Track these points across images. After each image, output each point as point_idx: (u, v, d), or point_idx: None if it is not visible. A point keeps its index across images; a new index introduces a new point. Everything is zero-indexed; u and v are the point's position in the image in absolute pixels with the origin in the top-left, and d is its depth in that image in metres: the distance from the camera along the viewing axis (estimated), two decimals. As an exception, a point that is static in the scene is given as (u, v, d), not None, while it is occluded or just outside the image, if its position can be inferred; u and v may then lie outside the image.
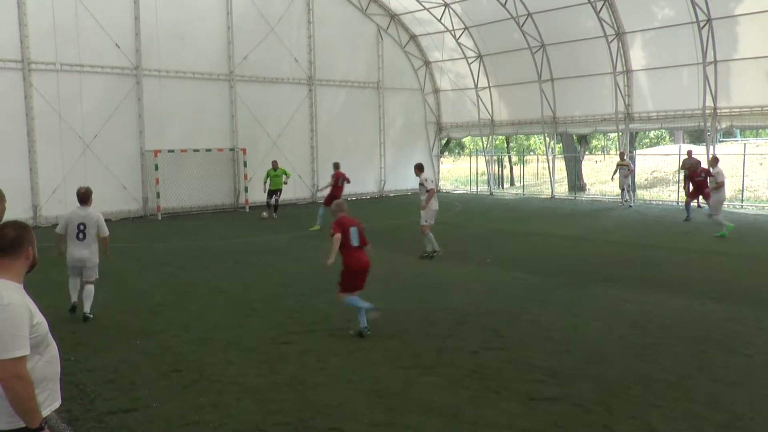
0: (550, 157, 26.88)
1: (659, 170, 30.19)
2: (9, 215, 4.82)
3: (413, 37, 29.06)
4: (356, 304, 7.92)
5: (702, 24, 20.57)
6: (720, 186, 15.30)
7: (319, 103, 26.05)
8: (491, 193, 29.20)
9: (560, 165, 30.05)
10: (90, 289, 8.92)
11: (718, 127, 22.12)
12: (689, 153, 21.12)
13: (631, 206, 22.62)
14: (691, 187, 18.56)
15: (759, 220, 18.75)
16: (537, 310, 8.88)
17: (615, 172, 23.35)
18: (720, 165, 15.68)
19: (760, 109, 20.46)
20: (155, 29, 21.17)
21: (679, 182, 23.16)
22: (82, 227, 8.82)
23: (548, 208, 22.75)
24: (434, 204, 12.95)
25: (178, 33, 21.85)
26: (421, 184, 12.98)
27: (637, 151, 32.94)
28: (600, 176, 33.04)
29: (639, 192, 27.46)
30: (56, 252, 8.97)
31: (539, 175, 36.70)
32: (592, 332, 7.84)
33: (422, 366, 6.71)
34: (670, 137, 42.07)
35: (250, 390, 6.11)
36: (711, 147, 21.93)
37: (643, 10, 22.21)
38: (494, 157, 32.18)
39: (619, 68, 23.41)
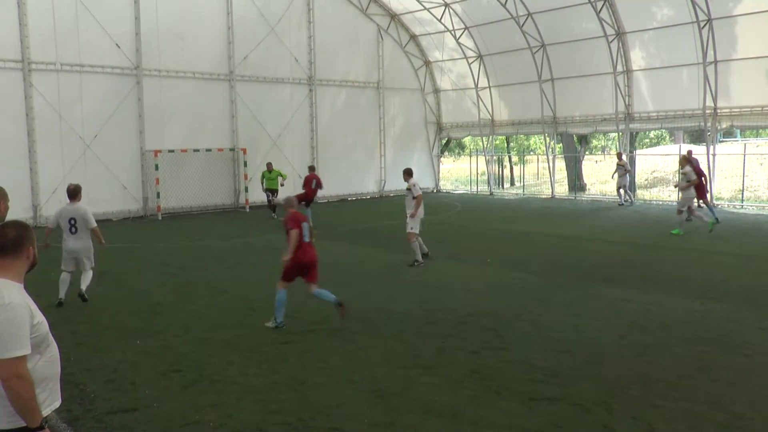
0: (550, 157, 26.88)
1: (659, 170, 30.18)
2: (9, 215, 4.82)
3: (413, 37, 29.07)
4: (280, 304, 8.27)
5: (702, 24, 20.58)
6: (690, 185, 15.60)
7: (319, 103, 26.06)
8: (491, 193, 29.20)
9: (560, 165, 30.05)
10: (89, 274, 9.77)
11: (718, 127, 22.13)
12: (689, 153, 21.12)
13: (631, 205, 22.64)
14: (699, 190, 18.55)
15: (759, 220, 18.74)
16: (537, 310, 8.88)
17: (615, 172, 23.40)
18: (689, 165, 15.96)
19: (760, 109, 20.47)
20: (155, 29, 21.18)
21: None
22: (73, 221, 9.52)
23: (548, 208, 22.75)
24: (420, 211, 12.42)
25: (178, 33, 21.86)
26: (408, 189, 12.54)
27: (637, 151, 32.93)
28: (600, 176, 33.05)
29: (639, 192, 27.45)
30: (42, 244, 8.63)
31: (539, 175, 36.71)
32: (592, 332, 7.84)
33: (422, 366, 6.70)
34: (670, 137, 42.07)
35: (250, 390, 6.11)
36: (711, 147, 21.94)
37: (643, 10, 22.21)
38: (494, 157, 32.19)
39: (619, 68, 23.41)
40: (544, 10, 23.87)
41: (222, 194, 23.45)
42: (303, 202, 17.88)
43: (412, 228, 12.30)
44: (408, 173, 12.82)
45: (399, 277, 11.35)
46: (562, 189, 28.84)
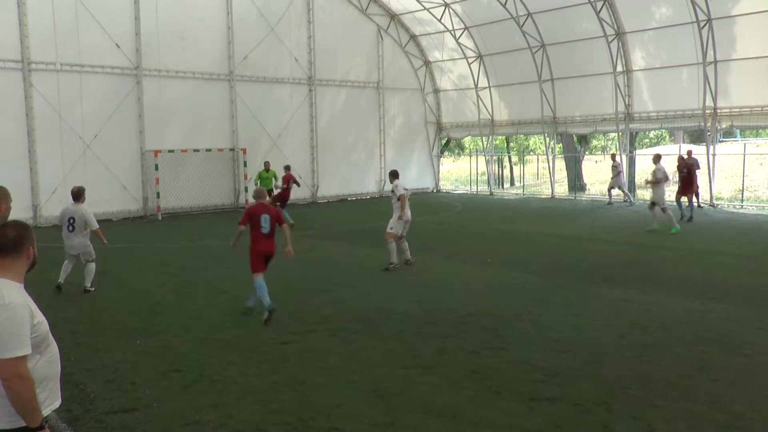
0: (550, 157, 26.88)
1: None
2: (9, 215, 4.82)
3: (413, 37, 29.07)
4: (259, 292, 8.64)
5: (702, 24, 20.58)
6: (659, 181, 16.04)
7: (319, 103, 26.06)
8: (491, 193, 29.21)
9: (560, 165, 30.05)
10: (91, 267, 10.44)
11: (718, 127, 22.13)
12: (689, 153, 21.13)
13: (630, 205, 22.67)
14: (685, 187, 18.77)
15: (759, 220, 18.74)
16: (537, 310, 8.88)
17: (614, 176, 23.55)
18: (662, 162, 16.44)
19: (760, 109, 20.47)
20: (155, 29, 21.18)
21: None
22: (71, 221, 10.22)
23: (548, 208, 22.75)
24: (407, 213, 12.07)
25: (178, 33, 21.86)
26: (392, 191, 12.34)
27: (637, 151, 32.93)
28: (600, 176, 33.04)
29: (639, 192, 27.45)
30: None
31: (539, 175, 36.72)
32: (592, 332, 7.84)
33: (422, 366, 6.70)
34: (670, 137, 42.07)
35: (250, 390, 6.11)
36: (711, 147, 21.95)
37: (643, 10, 22.22)
38: (494, 157, 32.20)
39: (619, 68, 23.41)
40: (544, 10, 23.87)
41: (222, 194, 23.46)
42: (278, 203, 18.31)
43: (391, 228, 12.06)
44: (393, 175, 12.57)
45: (399, 277, 11.34)
46: (562, 189, 28.84)
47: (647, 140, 45.33)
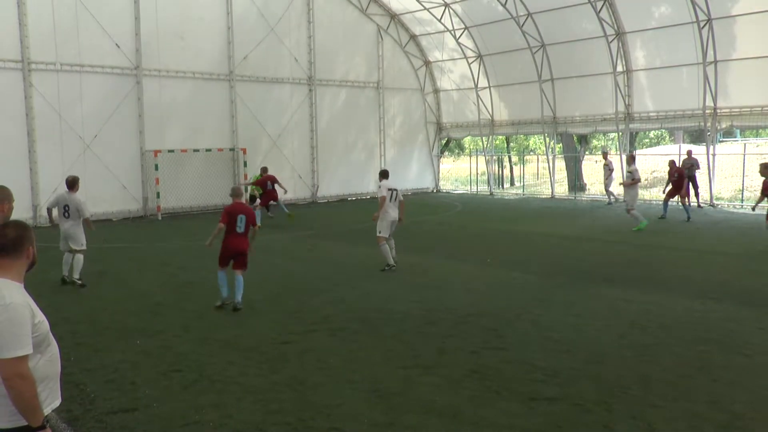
0: (550, 157, 26.88)
1: (659, 170, 30.14)
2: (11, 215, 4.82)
3: (413, 37, 29.07)
4: (220, 284, 9.32)
5: (702, 24, 20.58)
6: (635, 182, 16.56)
7: (319, 103, 26.06)
8: (491, 193, 29.21)
9: (560, 165, 30.04)
10: (79, 258, 10.87)
11: (718, 127, 22.13)
12: (689, 153, 21.16)
13: (610, 205, 22.63)
14: (676, 189, 18.97)
15: (759, 220, 18.69)
16: (537, 310, 8.87)
17: (607, 177, 23.61)
18: (636, 163, 16.88)
19: (760, 109, 20.46)
20: (155, 29, 21.18)
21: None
22: (66, 208, 10.78)
23: (548, 208, 22.75)
24: (387, 215, 11.85)
25: (178, 33, 21.86)
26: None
27: (637, 151, 32.92)
28: (600, 176, 32.95)
29: (639, 192, 27.42)
30: (49, 222, 11.25)
31: (539, 175, 36.70)
32: (592, 332, 7.84)
33: (422, 366, 6.70)
34: (670, 137, 42.06)
35: (250, 390, 6.11)
36: (711, 147, 21.95)
37: (643, 10, 22.21)
38: (494, 157, 32.19)
39: (619, 68, 23.41)
40: (544, 10, 23.87)
41: (222, 194, 23.36)
42: (265, 206, 19.16)
43: (380, 232, 12.05)
44: (382, 174, 12.53)
45: (399, 277, 11.34)
46: (562, 189, 28.83)
47: (647, 140, 45.31)
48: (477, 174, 30.86)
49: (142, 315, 9.06)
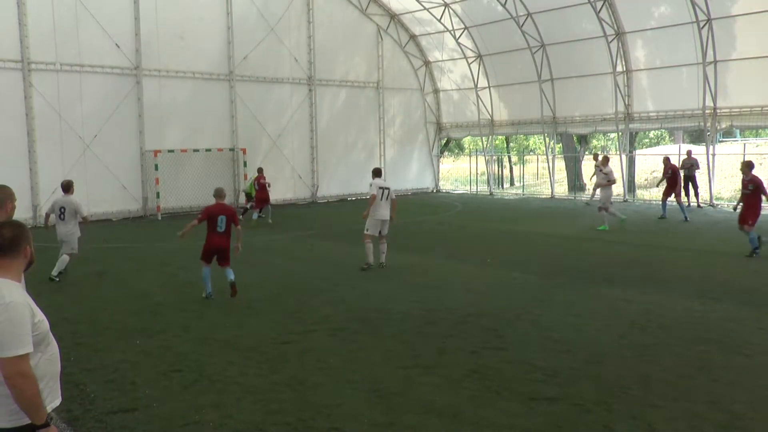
0: (550, 157, 26.89)
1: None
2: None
3: (413, 37, 29.07)
4: (204, 280, 9.88)
5: (702, 24, 20.58)
6: (611, 183, 16.96)
7: (319, 103, 26.07)
8: (491, 193, 29.21)
9: (560, 165, 30.04)
10: (65, 258, 11.27)
11: (718, 127, 22.12)
12: (689, 153, 21.16)
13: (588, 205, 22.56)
14: (671, 188, 19.04)
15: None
16: (537, 310, 8.87)
17: (593, 175, 23.57)
18: (611, 164, 17.32)
19: (760, 109, 20.46)
20: (155, 29, 21.18)
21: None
22: (62, 210, 11.27)
23: (548, 208, 22.75)
24: (376, 213, 11.87)
25: (178, 33, 21.86)
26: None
27: (637, 151, 32.93)
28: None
29: (639, 192, 27.47)
30: (44, 227, 11.89)
31: (539, 175, 36.69)
32: (592, 332, 7.84)
33: (422, 366, 6.70)
34: (669, 137, 42.05)
35: (250, 390, 6.11)
36: (711, 147, 21.95)
37: (642, 10, 22.22)
38: (494, 157, 32.20)
39: (619, 68, 23.41)
40: (544, 10, 23.87)
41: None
42: (259, 207, 19.50)
43: (367, 229, 12.08)
44: (374, 173, 12.53)
45: (399, 277, 11.35)
46: (561, 189, 28.83)
47: (647, 140, 45.30)
48: (477, 174, 30.86)
49: (142, 315, 9.06)
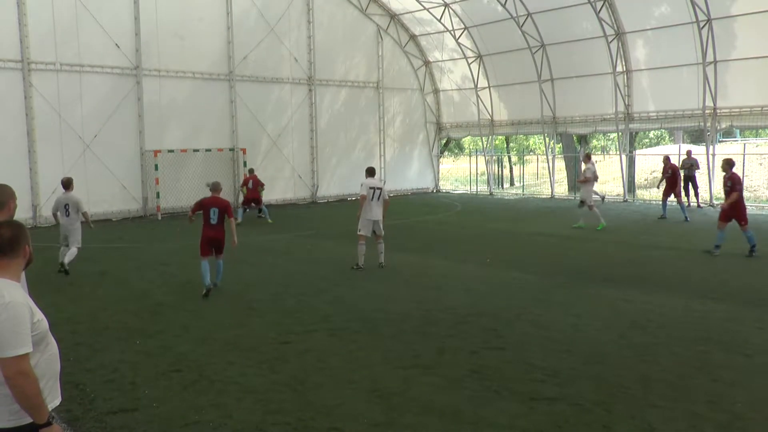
0: (550, 157, 26.89)
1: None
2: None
3: (413, 37, 29.07)
4: (203, 273, 10.11)
5: (702, 24, 20.58)
6: (588, 180, 16.93)
7: (319, 103, 26.07)
8: (491, 193, 29.21)
9: (560, 165, 30.05)
10: (73, 251, 11.89)
11: (718, 127, 22.12)
12: (688, 153, 21.15)
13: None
14: (670, 188, 19.03)
15: (759, 220, 18.74)
16: (537, 310, 8.87)
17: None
18: (591, 162, 17.28)
19: (760, 109, 20.46)
20: (155, 29, 21.18)
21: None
22: (66, 206, 11.93)
23: (548, 208, 22.75)
24: (368, 213, 11.85)
25: (178, 33, 21.86)
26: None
27: (637, 151, 32.94)
28: (600, 176, 32.98)
29: (638, 192, 27.47)
30: (55, 223, 12.34)
31: (539, 175, 36.70)
32: (592, 332, 7.84)
33: (422, 366, 6.70)
34: (669, 137, 42.05)
35: (250, 390, 6.11)
36: (711, 147, 21.95)
37: (642, 10, 22.21)
38: (494, 157, 32.20)
39: (619, 68, 23.41)
40: (544, 10, 23.87)
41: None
42: (252, 204, 19.71)
43: (360, 230, 12.10)
44: (367, 172, 12.52)
45: (399, 277, 11.34)
46: (561, 189, 28.83)
47: (647, 140, 45.30)
48: (477, 174, 30.86)
49: (142, 315, 9.06)
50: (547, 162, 27.16)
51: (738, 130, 33.26)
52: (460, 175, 39.27)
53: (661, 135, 44.11)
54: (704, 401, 5.66)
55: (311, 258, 13.64)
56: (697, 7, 20.39)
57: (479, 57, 27.57)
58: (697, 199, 21.58)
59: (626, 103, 23.68)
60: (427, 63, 29.81)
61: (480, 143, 31.53)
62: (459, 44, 27.64)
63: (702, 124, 21.92)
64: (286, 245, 15.34)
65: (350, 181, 27.18)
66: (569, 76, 25.04)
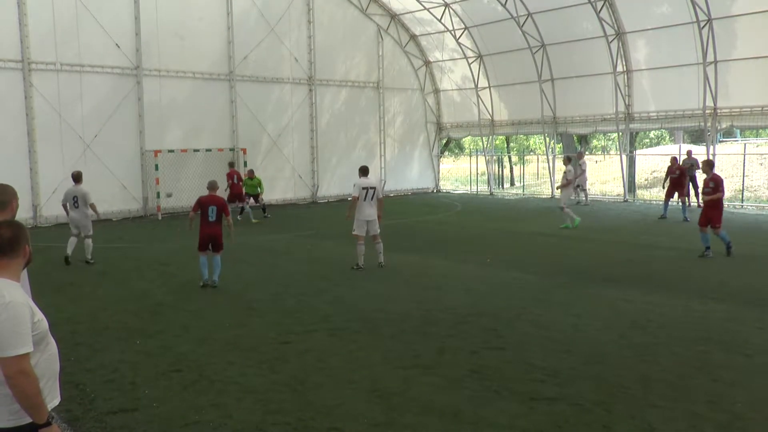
0: (550, 157, 26.88)
1: (659, 170, 30.17)
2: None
3: (413, 37, 29.07)
4: (201, 267, 10.64)
5: (702, 24, 20.57)
6: (570, 183, 17.31)
7: (319, 103, 26.07)
8: (491, 193, 29.21)
9: (560, 165, 29.96)
10: (88, 242, 12.74)
11: (718, 127, 22.13)
12: (689, 153, 21.15)
13: (577, 204, 22.44)
14: (673, 188, 19.02)
15: (759, 220, 18.75)
16: (537, 310, 8.87)
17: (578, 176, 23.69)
18: (570, 165, 17.57)
19: (760, 109, 20.45)
20: (155, 29, 21.18)
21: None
22: (75, 199, 12.68)
23: (548, 208, 22.73)
24: (361, 213, 11.83)
25: (178, 33, 21.86)
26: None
27: (637, 151, 32.94)
28: (600, 176, 33.04)
29: (639, 192, 27.46)
30: (67, 217, 13.09)
31: (539, 175, 36.69)
32: (592, 332, 7.84)
33: (422, 366, 6.70)
34: (670, 137, 42.05)
35: (250, 390, 6.11)
36: (711, 147, 21.94)
37: (643, 10, 22.21)
38: (494, 157, 32.19)
39: (619, 68, 23.41)
40: (544, 10, 23.87)
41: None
42: (236, 201, 19.45)
43: (354, 230, 12.10)
44: (360, 171, 12.49)
45: (399, 277, 11.34)
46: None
47: (647, 140, 45.31)
48: (477, 174, 30.86)
49: (142, 315, 9.06)
50: (548, 162, 27.15)
51: (738, 130, 33.27)
52: (460, 175, 39.27)
53: (662, 135, 44.11)
54: (704, 401, 5.66)
55: (311, 258, 13.64)
56: (697, 7, 20.39)
57: (479, 57, 27.57)
58: (698, 199, 21.54)
59: (626, 103, 23.68)
60: (427, 63, 29.81)
61: (480, 143, 31.53)
62: (459, 44, 27.63)
63: (702, 124, 21.91)
64: (286, 245, 15.34)
65: (350, 181, 26.88)
66: (569, 76, 25.03)
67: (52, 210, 18.86)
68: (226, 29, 23.11)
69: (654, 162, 30.43)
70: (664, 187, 19.65)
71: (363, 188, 11.80)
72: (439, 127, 30.79)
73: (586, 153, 36.47)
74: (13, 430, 3.03)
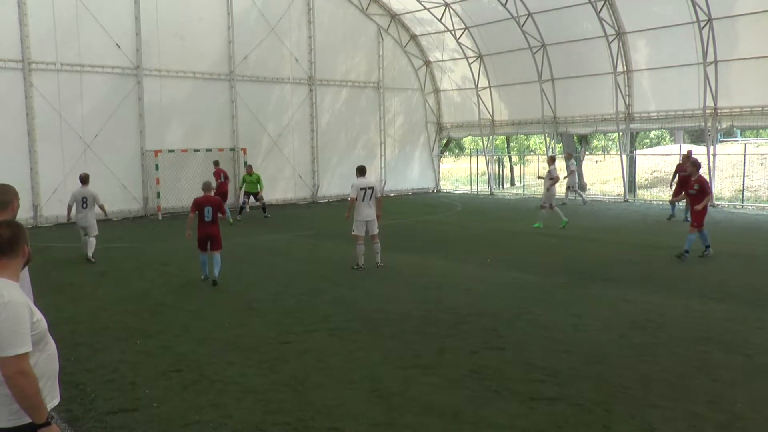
0: (551, 157, 26.85)
1: (659, 170, 30.18)
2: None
3: (413, 37, 29.07)
4: (202, 265, 11.03)
5: (702, 24, 20.57)
6: (555, 182, 17.26)
7: (320, 103, 26.07)
8: (492, 193, 29.21)
9: (561, 165, 29.96)
10: (92, 241, 13.06)
11: (719, 127, 22.12)
12: (689, 153, 21.12)
13: (564, 204, 22.37)
14: (681, 187, 18.83)
15: (759, 220, 18.74)
16: (537, 310, 8.87)
17: (567, 176, 23.73)
18: (554, 164, 17.51)
19: (760, 109, 20.45)
20: (155, 29, 21.19)
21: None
22: (84, 200, 12.95)
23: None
24: (359, 214, 11.91)
25: (178, 33, 21.87)
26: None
27: (638, 151, 32.93)
28: (600, 176, 33.04)
29: (639, 192, 27.46)
30: (66, 218, 13.55)
31: (539, 175, 36.67)
32: (592, 332, 7.83)
33: (422, 366, 6.70)
34: (670, 137, 42.05)
35: (250, 390, 6.11)
36: (711, 147, 21.94)
37: (643, 10, 22.21)
38: (494, 157, 32.19)
39: (619, 68, 23.41)
40: (544, 10, 23.87)
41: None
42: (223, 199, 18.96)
43: (353, 231, 12.13)
44: (358, 171, 12.54)
45: (399, 277, 11.34)
46: (561, 189, 28.74)
47: (647, 140, 45.30)
48: (477, 174, 30.86)
49: (142, 315, 9.06)
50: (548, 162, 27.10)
51: (739, 130, 33.26)
52: (460, 175, 39.27)
53: (662, 135, 44.11)
54: (704, 401, 5.66)
55: (311, 258, 13.65)
56: (697, 7, 20.39)
57: (480, 57, 27.57)
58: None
59: (627, 103, 23.68)
60: (427, 63, 29.81)
61: (480, 143, 31.53)
62: (459, 44, 27.63)
63: (703, 124, 21.91)
64: (286, 245, 15.34)
65: (351, 181, 27.08)
66: (570, 76, 25.04)
67: (53, 210, 18.87)
68: (227, 29, 23.12)
69: (654, 162, 30.44)
70: (671, 186, 19.37)
71: (361, 189, 11.82)
72: (440, 127, 30.79)
73: (587, 153, 36.48)
74: (13, 430, 3.03)
